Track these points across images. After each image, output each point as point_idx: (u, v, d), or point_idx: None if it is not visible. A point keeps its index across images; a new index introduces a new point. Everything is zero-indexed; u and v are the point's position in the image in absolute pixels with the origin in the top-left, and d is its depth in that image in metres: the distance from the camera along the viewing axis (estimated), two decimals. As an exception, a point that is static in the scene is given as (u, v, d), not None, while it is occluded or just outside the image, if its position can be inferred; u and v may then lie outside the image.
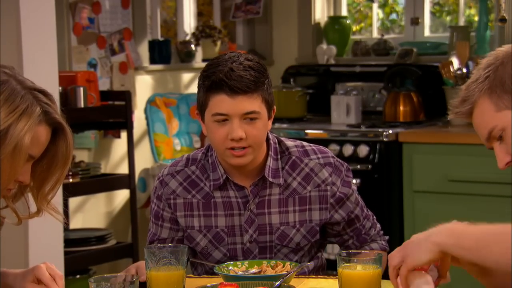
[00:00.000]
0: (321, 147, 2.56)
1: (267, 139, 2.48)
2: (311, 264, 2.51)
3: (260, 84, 2.38)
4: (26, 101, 1.85)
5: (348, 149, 4.62)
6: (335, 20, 5.59)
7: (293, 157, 2.50)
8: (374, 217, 2.60)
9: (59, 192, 3.43)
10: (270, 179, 2.46)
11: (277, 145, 2.50)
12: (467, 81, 1.92)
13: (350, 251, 2.22)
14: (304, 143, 2.55)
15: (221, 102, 2.35)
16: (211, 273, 2.48)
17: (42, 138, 1.89)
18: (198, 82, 2.43)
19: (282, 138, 2.54)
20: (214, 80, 2.35)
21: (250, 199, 2.46)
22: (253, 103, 2.36)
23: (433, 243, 1.77)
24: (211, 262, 2.49)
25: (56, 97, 3.72)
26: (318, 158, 2.51)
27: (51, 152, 1.95)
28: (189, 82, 5.39)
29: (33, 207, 2.01)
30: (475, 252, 1.74)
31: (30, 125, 1.84)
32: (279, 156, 2.49)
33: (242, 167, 2.44)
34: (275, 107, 2.48)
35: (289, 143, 2.54)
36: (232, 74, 2.34)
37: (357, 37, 5.70)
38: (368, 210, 2.59)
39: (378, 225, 2.61)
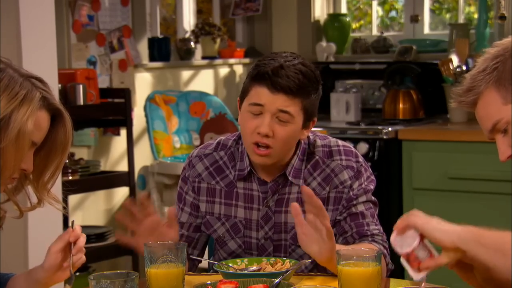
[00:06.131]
0: (350, 148, 2.52)
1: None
2: (309, 262, 2.50)
3: (304, 91, 2.37)
4: (25, 87, 1.87)
5: (347, 147, 4.62)
6: (334, 17, 5.59)
7: (316, 157, 2.48)
8: (385, 235, 2.47)
9: (59, 189, 3.44)
10: (290, 178, 2.45)
11: (307, 146, 2.48)
12: (472, 70, 1.86)
13: (349, 248, 2.22)
14: (333, 143, 2.52)
15: (261, 94, 2.36)
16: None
17: (43, 124, 1.91)
18: (249, 71, 2.45)
19: (317, 137, 2.52)
20: (260, 72, 2.36)
21: (268, 195, 2.46)
22: (290, 106, 2.36)
23: (454, 232, 1.77)
24: (227, 251, 2.50)
25: (56, 94, 3.72)
26: (341, 160, 2.48)
27: (49, 139, 1.96)
28: (188, 79, 5.39)
29: (34, 199, 2.02)
30: (492, 252, 1.73)
31: (32, 110, 1.86)
32: (305, 157, 2.48)
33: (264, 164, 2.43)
34: (315, 119, 2.47)
35: (318, 142, 2.51)
36: (280, 71, 2.34)
37: (356, 34, 5.70)
38: (380, 227, 2.49)
39: (385, 237, 2.48)
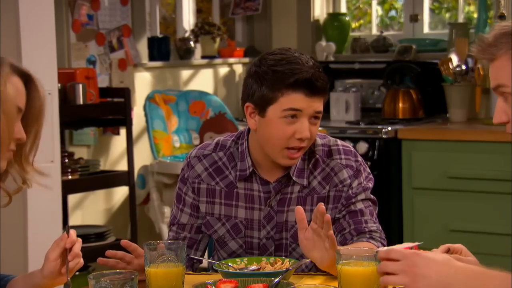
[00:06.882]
0: (349, 148, 2.53)
1: None
2: (309, 261, 2.49)
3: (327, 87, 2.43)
4: None
5: (347, 146, 4.62)
6: (334, 17, 5.59)
7: (317, 156, 2.49)
8: (383, 232, 2.49)
9: (59, 188, 3.43)
10: (294, 178, 2.45)
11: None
12: (503, 26, 1.77)
13: (349, 248, 2.22)
14: (332, 142, 2.52)
15: (297, 100, 2.34)
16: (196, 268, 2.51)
17: (20, 88, 1.93)
18: (261, 75, 2.37)
19: (316, 135, 2.51)
20: (300, 79, 2.34)
21: (271, 195, 2.45)
22: (321, 105, 2.39)
23: None
24: (227, 252, 2.50)
25: (55, 94, 3.72)
26: (340, 159, 2.49)
27: (26, 107, 1.96)
28: (188, 79, 5.38)
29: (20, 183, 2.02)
30: None
31: (7, 74, 1.89)
32: (307, 156, 2.48)
33: (273, 162, 2.42)
34: None
35: (318, 141, 2.51)
36: (316, 75, 2.37)
37: (356, 34, 5.70)
38: (379, 225, 2.49)
39: (383, 235, 2.49)
